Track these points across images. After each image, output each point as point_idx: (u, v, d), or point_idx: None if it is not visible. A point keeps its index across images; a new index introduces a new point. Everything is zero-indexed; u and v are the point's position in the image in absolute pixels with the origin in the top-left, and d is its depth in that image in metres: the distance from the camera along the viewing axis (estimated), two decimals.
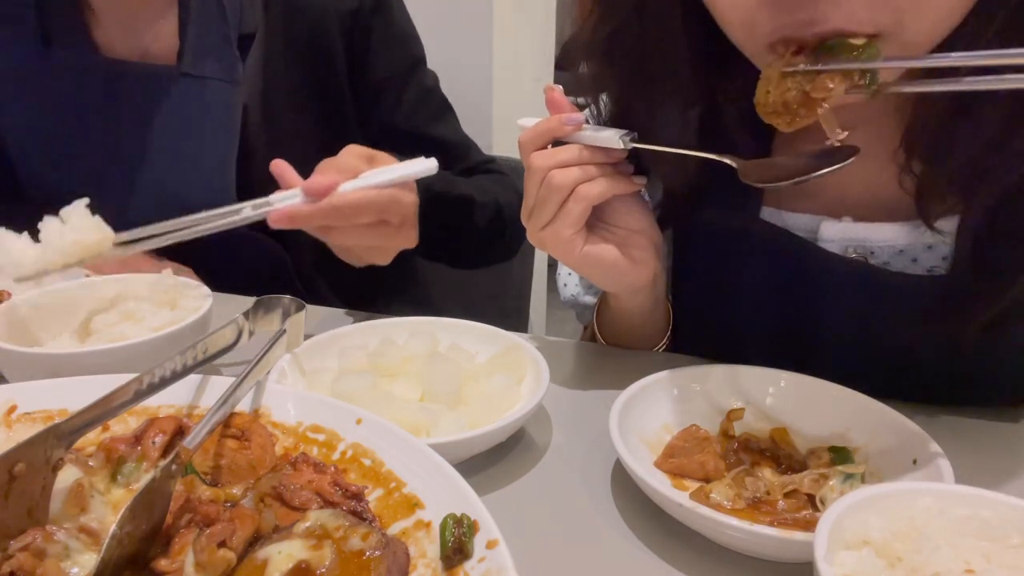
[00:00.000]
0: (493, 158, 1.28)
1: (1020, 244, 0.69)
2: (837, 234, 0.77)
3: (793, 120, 0.62)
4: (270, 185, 0.92)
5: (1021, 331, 0.72)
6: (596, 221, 0.77)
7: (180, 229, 0.81)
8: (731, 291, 0.85)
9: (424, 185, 0.91)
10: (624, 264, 0.77)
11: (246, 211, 0.83)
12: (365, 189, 0.82)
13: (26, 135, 1.12)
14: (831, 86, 0.59)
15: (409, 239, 0.91)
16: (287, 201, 0.82)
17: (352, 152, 0.87)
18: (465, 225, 1.10)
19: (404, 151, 1.17)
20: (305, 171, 0.88)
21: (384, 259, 0.93)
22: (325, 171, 0.84)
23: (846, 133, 0.67)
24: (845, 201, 0.78)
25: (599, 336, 0.92)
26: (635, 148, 0.73)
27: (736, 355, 0.76)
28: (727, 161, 0.69)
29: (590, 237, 0.76)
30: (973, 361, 0.75)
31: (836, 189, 0.78)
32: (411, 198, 0.86)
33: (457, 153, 1.21)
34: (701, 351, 0.84)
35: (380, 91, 1.17)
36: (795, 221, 0.79)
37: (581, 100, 0.82)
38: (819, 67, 0.59)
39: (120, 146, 1.08)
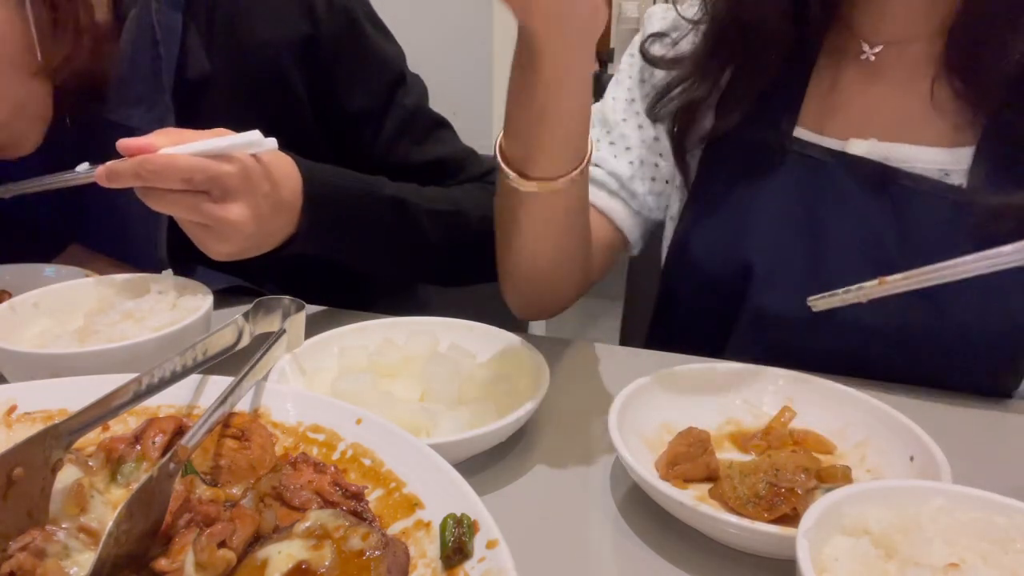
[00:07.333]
0: (492, 169, 1.15)
1: None
2: (863, 151, 0.84)
3: None
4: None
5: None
6: None
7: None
8: (748, 207, 0.87)
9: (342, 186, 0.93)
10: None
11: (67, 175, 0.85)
12: (172, 154, 0.76)
13: None
14: None
15: (242, 218, 0.79)
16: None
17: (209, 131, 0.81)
18: (413, 228, 1.03)
19: (391, 178, 1.13)
20: None
21: (224, 245, 0.82)
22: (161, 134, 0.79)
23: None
24: (872, 123, 0.85)
25: (504, 162, 0.78)
26: None
27: (739, 281, 0.82)
28: None
29: None
30: (958, 315, 0.79)
31: (864, 111, 0.86)
32: (229, 168, 0.77)
33: (450, 169, 1.15)
34: (703, 276, 0.86)
35: (357, 123, 1.10)
36: (825, 143, 0.86)
37: None
38: None
39: (61, 193, 0.96)
